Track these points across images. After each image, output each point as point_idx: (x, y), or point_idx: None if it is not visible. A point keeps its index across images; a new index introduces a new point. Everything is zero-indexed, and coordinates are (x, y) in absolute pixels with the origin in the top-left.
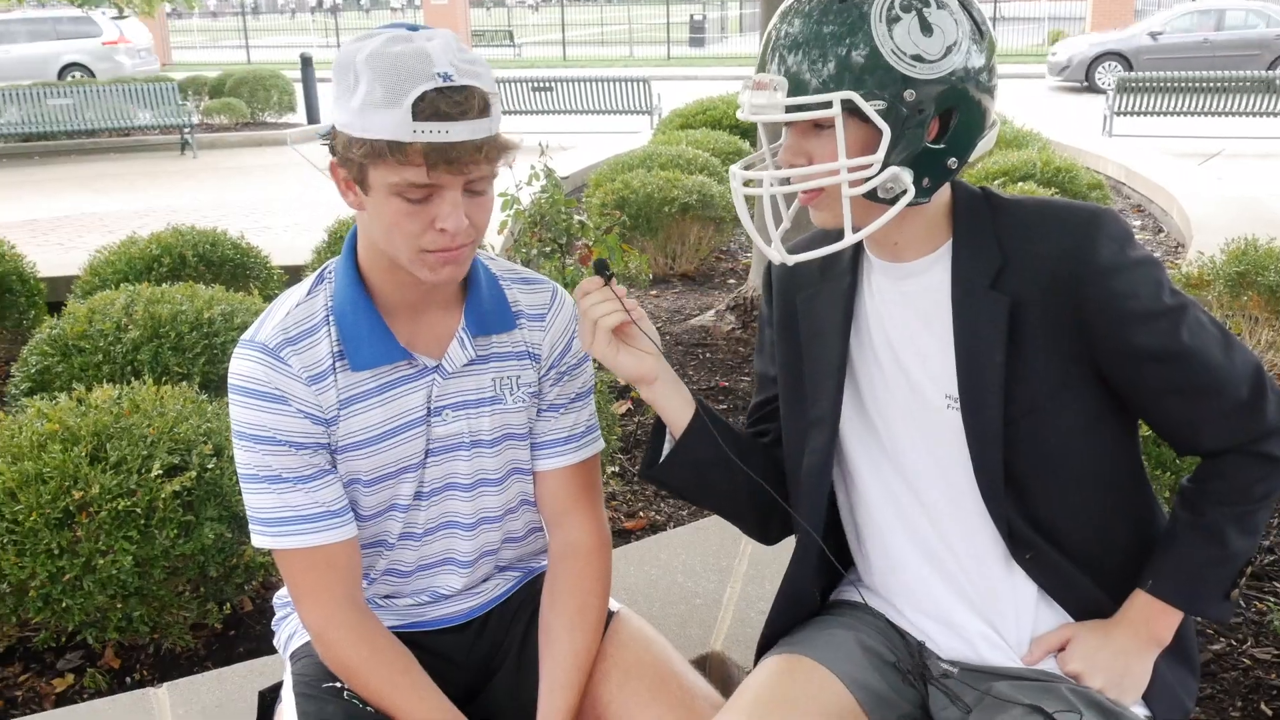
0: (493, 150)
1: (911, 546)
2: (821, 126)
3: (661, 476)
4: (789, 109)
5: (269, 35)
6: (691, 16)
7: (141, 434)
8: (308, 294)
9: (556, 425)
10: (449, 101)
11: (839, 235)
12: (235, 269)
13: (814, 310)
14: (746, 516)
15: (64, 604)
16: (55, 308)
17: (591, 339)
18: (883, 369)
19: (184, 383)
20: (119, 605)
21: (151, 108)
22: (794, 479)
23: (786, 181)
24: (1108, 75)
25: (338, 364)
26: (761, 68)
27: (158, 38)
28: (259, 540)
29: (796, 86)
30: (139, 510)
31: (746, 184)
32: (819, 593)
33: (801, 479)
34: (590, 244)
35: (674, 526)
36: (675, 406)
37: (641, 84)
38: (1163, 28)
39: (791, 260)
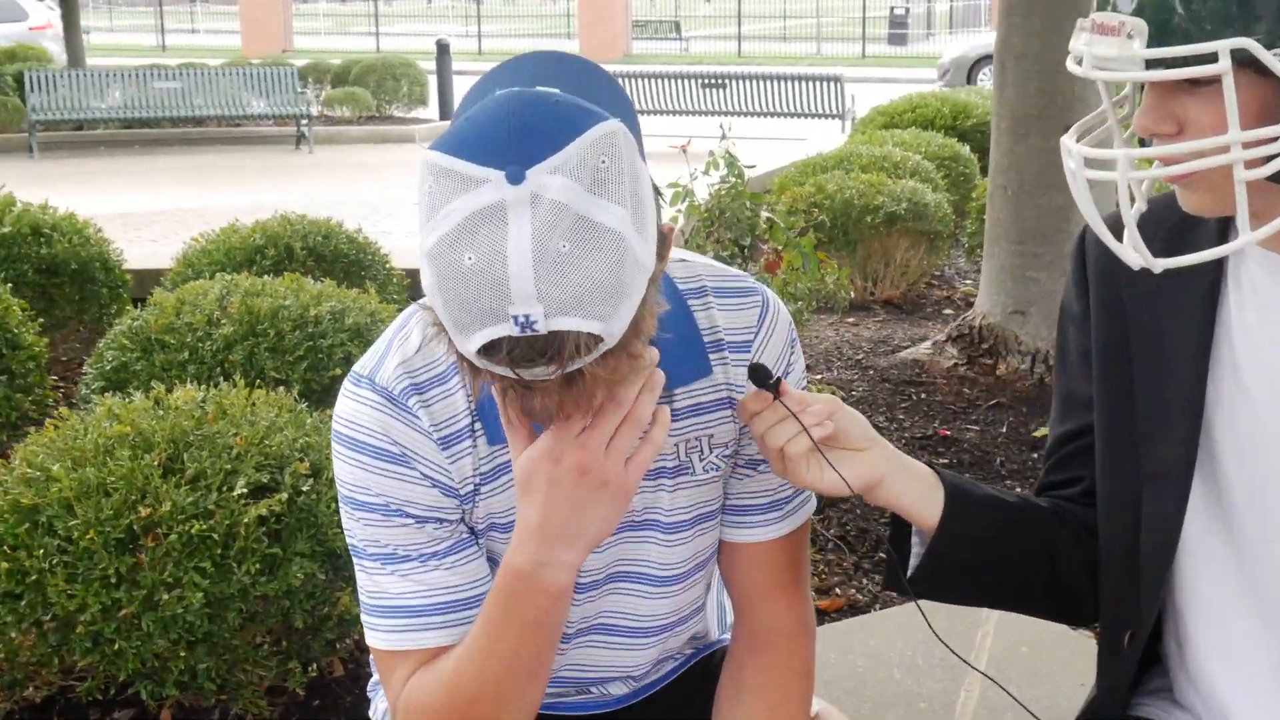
0: (597, 382)
1: (1268, 661)
2: (1198, 84)
3: (918, 590)
4: (1151, 64)
5: (402, 22)
6: (892, 10)
7: (226, 444)
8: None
9: (760, 487)
10: (524, 353)
11: (1207, 221)
12: (350, 266)
13: (1155, 312)
14: (1044, 608)
15: (116, 646)
16: (140, 305)
17: (784, 469)
18: (1253, 404)
19: (281, 389)
20: (182, 653)
21: (266, 96)
22: (1113, 553)
23: (1151, 163)
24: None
25: (477, 424)
26: (1104, 3)
27: (279, 22)
28: (372, 639)
29: (1162, 31)
30: (216, 536)
31: (1090, 164)
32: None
33: (1140, 558)
34: (780, 248)
35: (880, 607)
36: (917, 499)
37: (832, 83)
38: None
39: (1159, 266)
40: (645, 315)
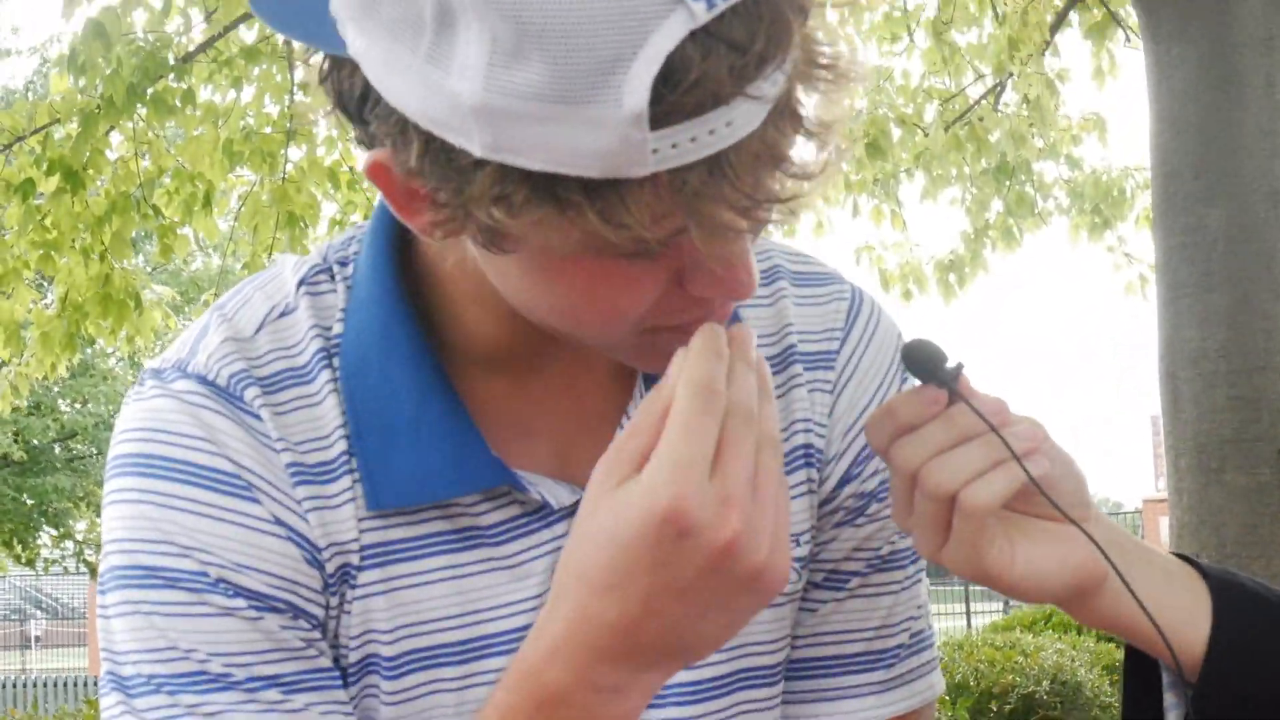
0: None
1: None
2: None
3: None
4: None
5: None
6: None
7: None
8: (299, 289)
9: (849, 618)
10: (728, 51)
11: None
12: None
13: None
14: None
15: None
16: None
17: (943, 536)
18: None
19: None
20: None
21: None
22: None
23: None
24: None
25: (355, 459)
26: None
27: None
28: None
29: None
30: None
31: None
32: None
33: None
34: None
35: None
36: (1169, 610)
37: None
38: None
39: None
40: None
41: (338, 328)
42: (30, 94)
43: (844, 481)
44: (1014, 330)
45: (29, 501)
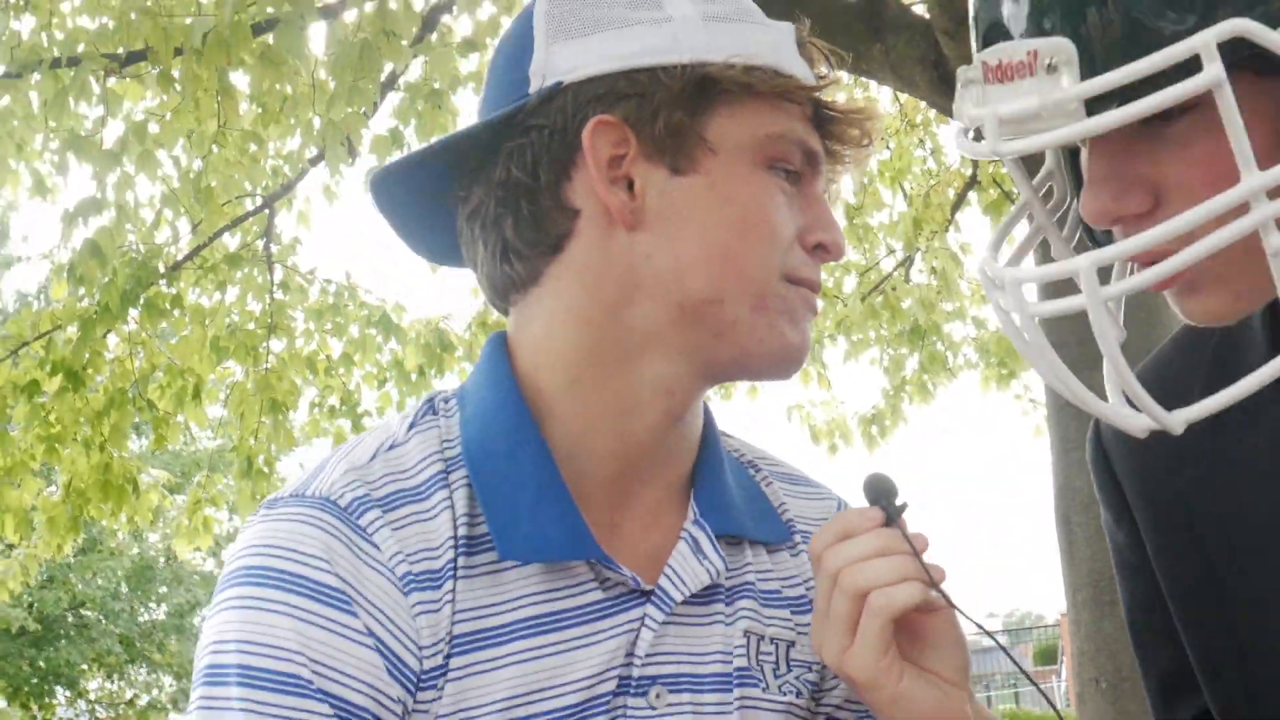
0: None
1: None
2: (1174, 119)
3: None
4: (1094, 105)
5: None
6: None
7: None
8: (409, 429)
9: None
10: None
11: (1246, 342)
12: None
13: (1231, 498)
14: None
15: None
16: None
17: (849, 638)
18: None
19: None
20: None
21: None
22: None
23: (1129, 269)
24: None
25: (461, 559)
26: (992, 37)
27: None
28: None
29: (1106, 43)
30: None
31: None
32: None
33: None
34: None
35: None
36: None
37: None
38: None
39: (1180, 422)
40: None
41: (450, 451)
42: (42, 297)
43: None
44: (935, 471)
45: (43, 666)
